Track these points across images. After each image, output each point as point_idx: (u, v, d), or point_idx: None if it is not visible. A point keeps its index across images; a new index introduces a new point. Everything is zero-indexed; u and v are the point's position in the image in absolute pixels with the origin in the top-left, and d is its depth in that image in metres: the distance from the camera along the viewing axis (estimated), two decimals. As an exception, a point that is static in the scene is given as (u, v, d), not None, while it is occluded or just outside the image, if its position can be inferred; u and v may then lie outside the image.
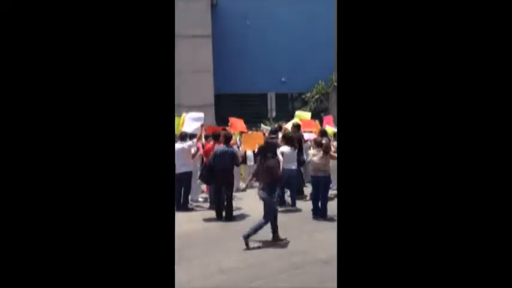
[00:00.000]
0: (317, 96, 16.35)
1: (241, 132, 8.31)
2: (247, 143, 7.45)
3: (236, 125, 8.55)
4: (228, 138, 6.07)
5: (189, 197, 6.76)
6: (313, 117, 9.69)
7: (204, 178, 6.13)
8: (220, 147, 5.90)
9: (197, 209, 6.60)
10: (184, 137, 6.73)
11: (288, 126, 8.44)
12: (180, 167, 6.36)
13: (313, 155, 5.91)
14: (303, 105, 16.11)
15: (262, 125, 10.21)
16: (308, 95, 16.25)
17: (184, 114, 8.92)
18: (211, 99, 15.26)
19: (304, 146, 8.14)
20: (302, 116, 9.37)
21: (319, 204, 5.78)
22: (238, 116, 9.89)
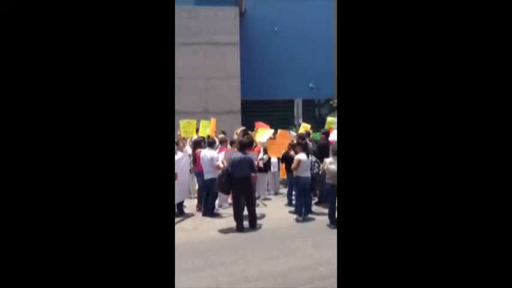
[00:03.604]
0: (345, 102, 16.12)
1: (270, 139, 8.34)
2: (272, 149, 7.45)
3: (262, 130, 8.59)
4: (243, 145, 6.05)
5: (216, 202, 6.84)
6: None
7: (223, 187, 5.90)
8: (238, 154, 5.84)
9: (224, 215, 6.66)
10: (212, 143, 6.78)
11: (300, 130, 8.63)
12: (207, 173, 6.46)
13: (330, 162, 5.93)
14: (331, 111, 15.94)
15: (291, 132, 10.23)
16: (336, 101, 16.08)
17: (213, 119, 9.11)
18: (238, 106, 15.42)
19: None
20: (334, 122, 9.27)
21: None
22: (265, 122, 9.94)
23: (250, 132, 9.06)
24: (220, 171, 5.92)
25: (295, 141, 7.20)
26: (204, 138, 7.89)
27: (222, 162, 6.06)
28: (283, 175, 7.59)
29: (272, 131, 8.64)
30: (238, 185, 5.75)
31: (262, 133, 8.16)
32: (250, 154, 6.12)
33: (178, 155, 6.56)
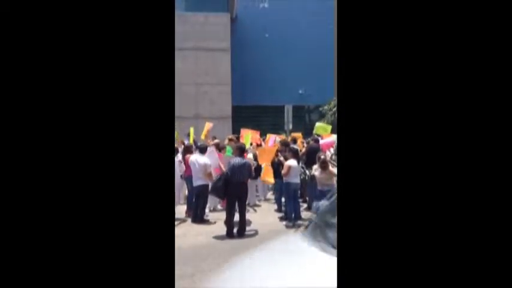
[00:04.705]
0: (335, 108, 16.27)
1: (258, 145, 8.37)
2: (262, 156, 7.47)
3: (246, 136, 8.61)
4: (242, 150, 6.08)
5: (207, 208, 6.81)
6: (333, 129, 9.61)
7: (218, 192, 5.81)
8: (237, 159, 5.87)
9: (213, 221, 6.63)
10: (203, 149, 6.74)
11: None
12: (197, 180, 6.43)
13: (315, 169, 6.05)
14: (320, 117, 16.08)
15: (276, 138, 10.30)
16: (326, 107, 16.23)
17: (208, 123, 9.09)
18: (229, 111, 15.43)
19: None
20: (323, 127, 9.33)
21: None
22: (255, 128, 9.97)
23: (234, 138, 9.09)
24: (214, 177, 5.92)
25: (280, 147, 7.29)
26: (192, 144, 7.89)
27: (220, 167, 6.06)
28: (265, 176, 7.47)
29: (253, 133, 8.66)
30: (235, 190, 5.70)
31: (248, 138, 8.20)
32: (247, 159, 6.17)
33: None
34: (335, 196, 3.57)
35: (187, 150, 7.30)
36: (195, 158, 6.52)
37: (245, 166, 5.77)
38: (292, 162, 6.31)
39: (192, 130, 8.84)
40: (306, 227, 3.54)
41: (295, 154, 6.53)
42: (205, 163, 6.34)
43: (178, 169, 6.96)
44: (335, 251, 2.39)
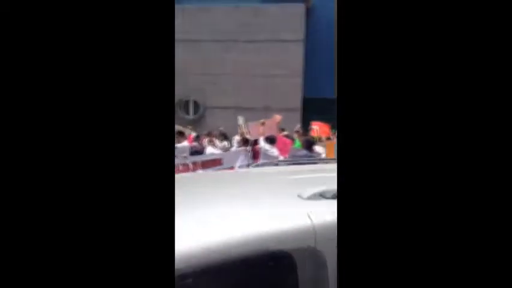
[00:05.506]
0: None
1: (327, 139, 8.22)
2: (331, 150, 7.33)
3: (318, 129, 8.48)
4: (310, 144, 6.02)
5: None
6: None
7: None
8: (303, 152, 5.83)
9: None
10: (273, 139, 6.87)
11: None
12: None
13: None
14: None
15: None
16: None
17: (277, 116, 9.16)
18: (298, 103, 15.37)
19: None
20: None
21: None
22: (327, 121, 9.76)
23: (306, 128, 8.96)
24: None
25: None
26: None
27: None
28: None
29: (322, 126, 8.47)
30: None
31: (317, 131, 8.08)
32: (315, 153, 6.11)
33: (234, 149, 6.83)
34: None
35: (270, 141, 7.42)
36: (265, 148, 6.66)
37: (310, 159, 5.69)
38: None
39: (240, 118, 8.77)
40: None
41: None
42: (275, 153, 6.47)
43: (248, 158, 7.18)
44: None
